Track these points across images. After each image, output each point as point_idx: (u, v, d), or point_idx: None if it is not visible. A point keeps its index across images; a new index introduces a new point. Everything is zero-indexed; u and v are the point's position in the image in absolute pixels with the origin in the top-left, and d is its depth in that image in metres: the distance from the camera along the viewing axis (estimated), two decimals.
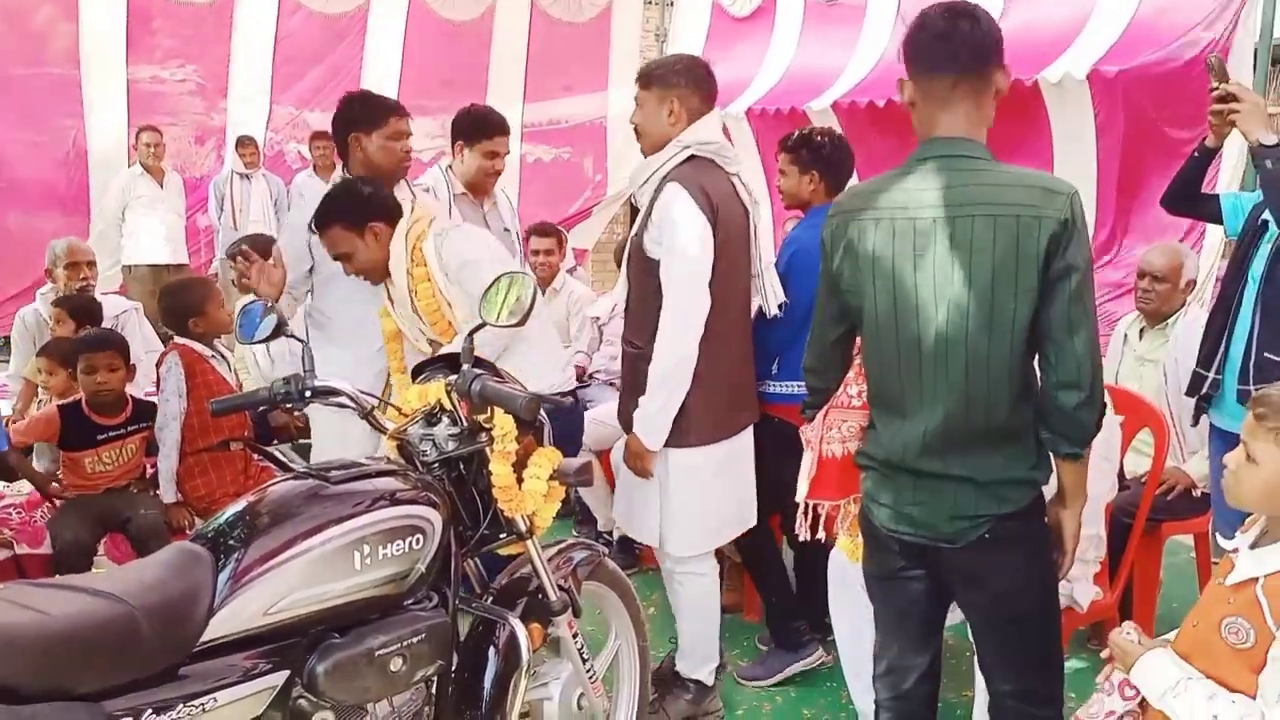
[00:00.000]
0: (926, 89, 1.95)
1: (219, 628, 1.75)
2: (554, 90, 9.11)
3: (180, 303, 3.62)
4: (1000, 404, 1.91)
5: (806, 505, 2.32)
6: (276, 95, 8.56)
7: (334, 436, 2.98)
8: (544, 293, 5.28)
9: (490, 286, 2.21)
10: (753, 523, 3.11)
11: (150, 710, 1.63)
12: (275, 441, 4.01)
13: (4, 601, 1.58)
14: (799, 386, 2.89)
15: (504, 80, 8.81)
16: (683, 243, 2.71)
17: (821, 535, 2.36)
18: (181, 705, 1.66)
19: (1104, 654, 1.94)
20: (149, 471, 3.63)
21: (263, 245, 3.34)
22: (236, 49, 8.25)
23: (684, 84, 2.83)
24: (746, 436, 3.03)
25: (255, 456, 3.60)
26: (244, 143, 7.97)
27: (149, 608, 1.67)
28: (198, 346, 3.56)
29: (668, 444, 2.84)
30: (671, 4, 9.21)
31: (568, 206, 8.97)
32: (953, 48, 1.91)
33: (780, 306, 3.08)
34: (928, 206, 1.90)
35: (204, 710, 1.69)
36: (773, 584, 3.38)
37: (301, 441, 3.84)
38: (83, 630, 1.59)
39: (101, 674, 1.60)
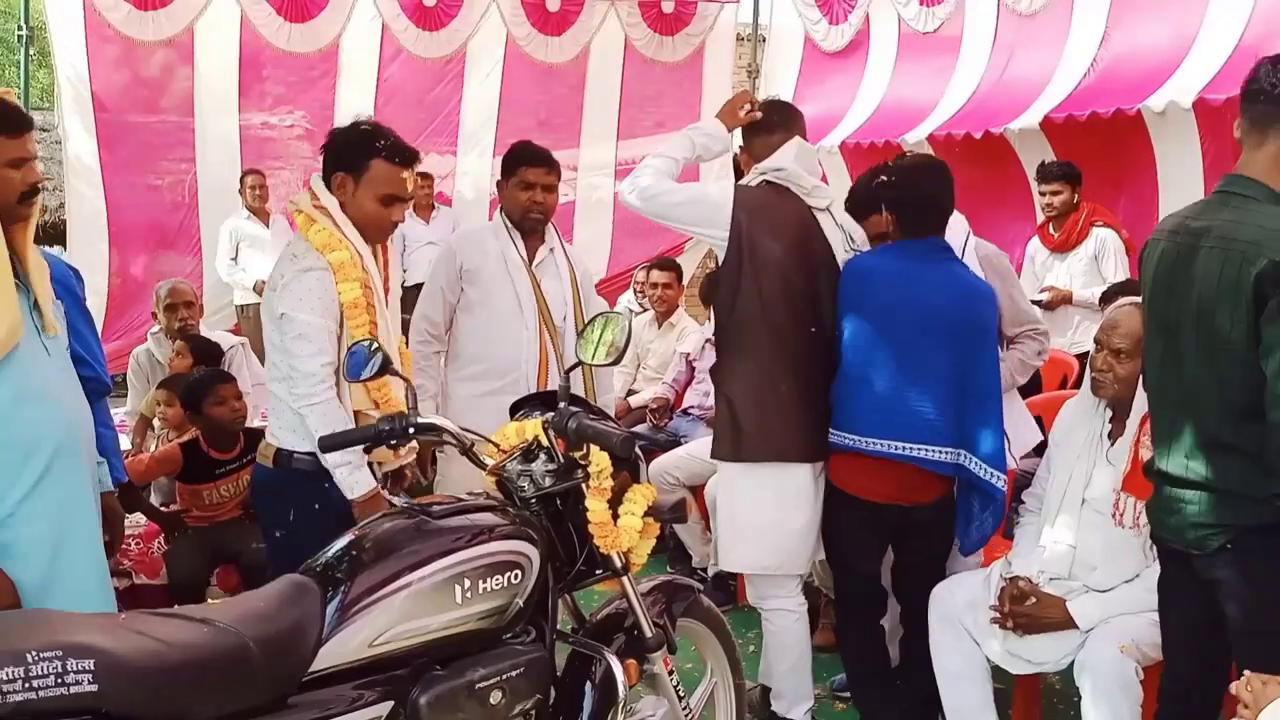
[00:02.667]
0: (1248, 128, 2.18)
1: (327, 658, 1.81)
2: (646, 127, 9.20)
3: None
4: (1225, 421, 2.10)
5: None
6: None
7: (466, 473, 3.01)
8: (660, 326, 5.35)
9: (587, 325, 2.26)
10: (804, 570, 3.10)
11: None
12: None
13: (126, 630, 1.66)
14: (831, 432, 2.93)
15: (598, 119, 8.95)
16: None
17: None
18: None
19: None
20: None
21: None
22: (341, 94, 8.53)
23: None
24: (802, 473, 2.98)
25: None
26: None
27: (261, 639, 1.73)
28: None
29: (721, 456, 2.98)
30: (765, 40, 9.25)
31: (661, 242, 9.03)
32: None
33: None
34: (1190, 234, 2.15)
35: None
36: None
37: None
38: (199, 660, 1.66)
39: (216, 702, 1.66)
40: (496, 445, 2.32)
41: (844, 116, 7.81)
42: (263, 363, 4.76)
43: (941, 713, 2.88)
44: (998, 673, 2.88)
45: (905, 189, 2.97)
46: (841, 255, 3.01)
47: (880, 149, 7.10)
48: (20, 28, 7.47)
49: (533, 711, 2.12)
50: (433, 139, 8.96)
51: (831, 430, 2.95)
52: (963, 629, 2.81)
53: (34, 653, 1.49)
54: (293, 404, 2.56)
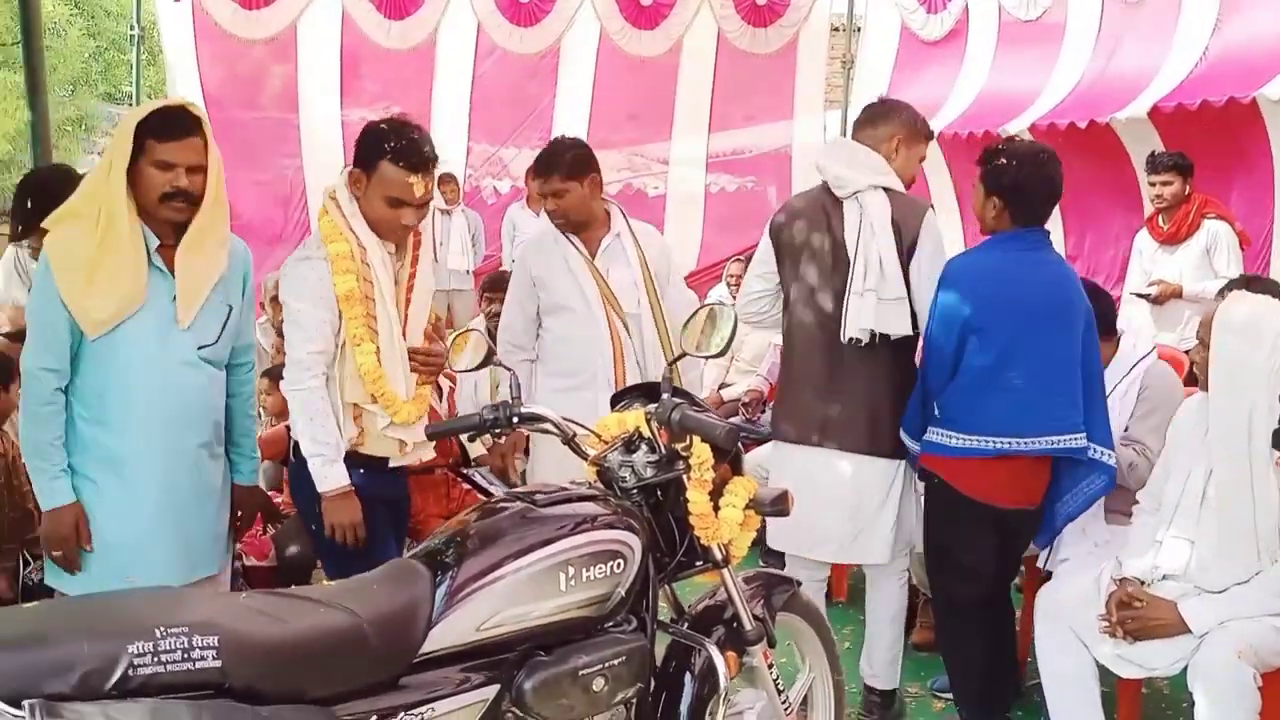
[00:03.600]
0: None
1: (436, 641, 1.85)
2: (738, 120, 9.17)
3: None
4: None
5: None
6: (474, 133, 8.96)
7: (553, 463, 3.05)
8: None
9: (691, 317, 2.26)
10: (846, 559, 3.20)
11: (375, 716, 1.73)
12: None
13: (248, 609, 1.72)
14: (950, 436, 2.86)
15: (690, 112, 8.94)
16: None
17: None
18: (404, 713, 1.76)
19: None
20: None
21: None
22: (438, 90, 8.68)
23: None
24: (826, 459, 3.08)
25: (459, 481, 3.77)
26: (445, 180, 8.36)
27: (375, 620, 1.78)
28: None
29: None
30: (859, 30, 9.13)
31: (752, 235, 8.97)
32: None
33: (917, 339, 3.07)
34: None
35: (423, 719, 1.78)
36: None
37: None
38: (317, 639, 1.71)
39: (332, 680, 1.71)
40: (598, 436, 2.34)
41: (942, 107, 7.67)
42: None
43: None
44: (1102, 674, 2.80)
45: (1025, 174, 2.85)
46: (850, 240, 3.00)
47: (980, 139, 6.95)
48: (132, 27, 7.77)
49: (633, 700, 2.13)
50: (525, 135, 9.07)
51: (953, 434, 2.86)
52: (1070, 631, 2.75)
53: (162, 628, 1.56)
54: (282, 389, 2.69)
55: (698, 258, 8.79)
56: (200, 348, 2.49)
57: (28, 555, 3.20)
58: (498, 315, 3.91)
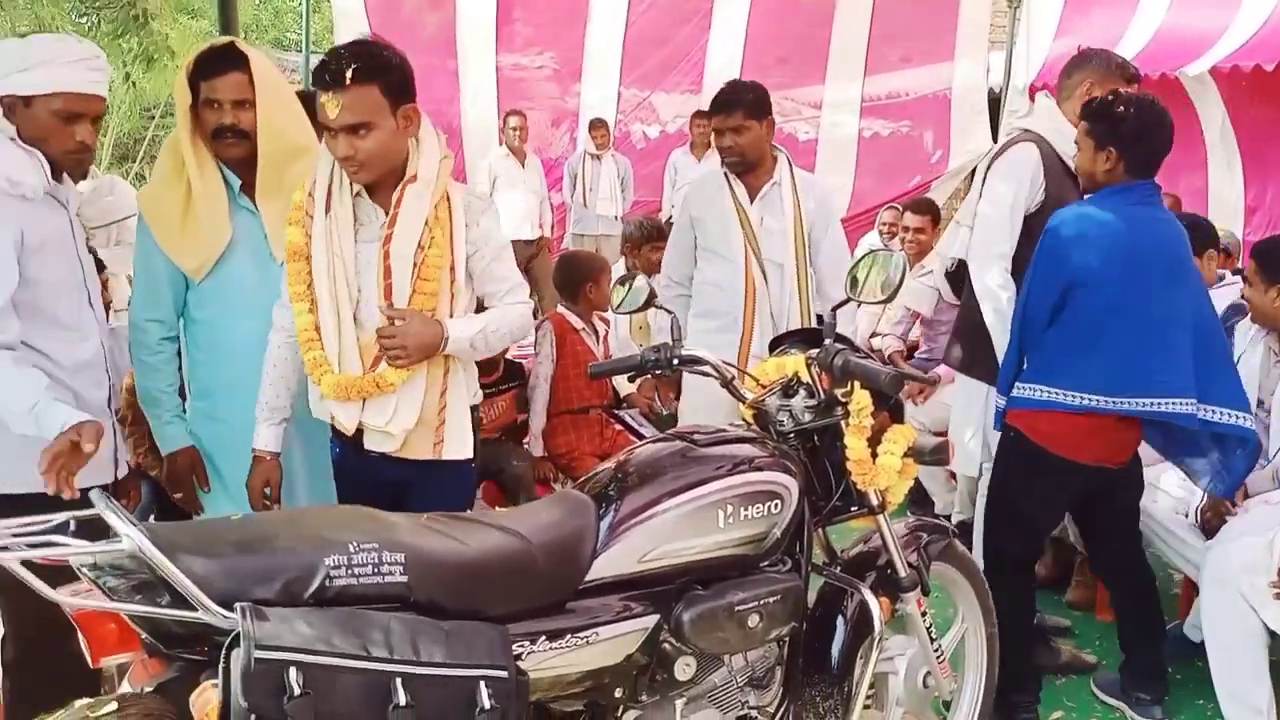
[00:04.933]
0: None
1: (600, 570, 1.93)
2: (893, 63, 8.91)
3: (579, 270, 3.96)
4: None
5: None
6: (625, 78, 8.99)
7: (704, 405, 3.11)
8: (910, 268, 5.26)
9: (857, 263, 2.26)
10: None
11: (544, 636, 1.82)
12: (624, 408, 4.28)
13: (429, 530, 1.82)
14: (1037, 390, 2.78)
15: (845, 55, 8.74)
16: None
17: None
18: (569, 635, 1.85)
19: None
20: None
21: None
22: (590, 34, 8.72)
23: None
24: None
25: (612, 421, 3.87)
26: (596, 125, 8.45)
27: (545, 545, 1.87)
28: (571, 317, 3.88)
29: None
30: None
31: (905, 181, 8.77)
32: None
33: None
34: None
35: (587, 643, 1.87)
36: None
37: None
38: (492, 560, 1.81)
39: (505, 600, 1.80)
40: (756, 380, 2.37)
41: (1114, 48, 7.28)
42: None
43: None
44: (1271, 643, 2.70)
45: (1143, 123, 2.75)
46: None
47: (1155, 83, 6.59)
48: None
49: (786, 638, 2.18)
50: (677, 80, 9.05)
51: (1041, 387, 2.76)
52: (1239, 595, 2.65)
53: (355, 543, 1.67)
54: None
55: (849, 203, 8.64)
56: None
57: None
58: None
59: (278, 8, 15.57)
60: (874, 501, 2.29)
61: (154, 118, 12.99)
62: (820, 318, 3.27)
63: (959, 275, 3.28)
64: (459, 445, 2.37)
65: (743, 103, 3.27)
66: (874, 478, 2.24)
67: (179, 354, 2.63)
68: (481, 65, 8.44)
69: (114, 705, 1.37)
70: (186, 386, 2.64)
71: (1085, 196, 2.90)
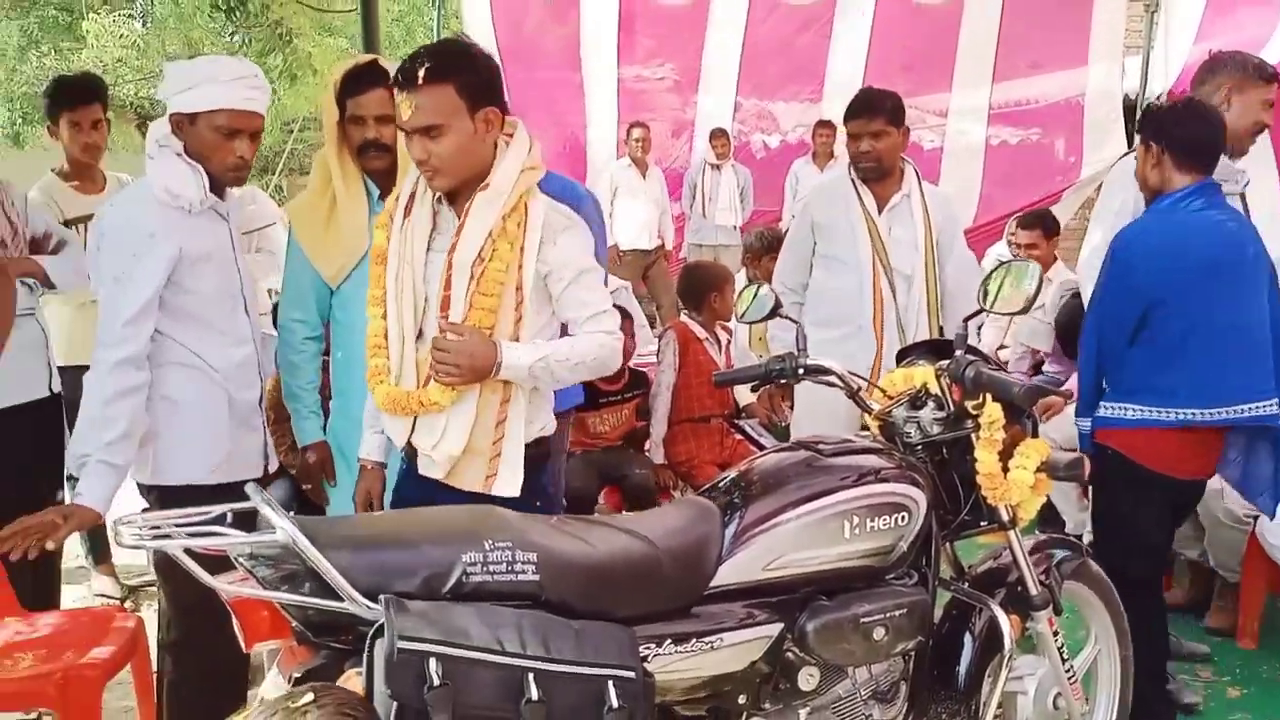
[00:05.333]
0: None
1: (725, 576, 1.94)
2: (1022, 69, 8.67)
3: (704, 280, 3.99)
4: None
5: None
6: (742, 88, 8.97)
7: (819, 417, 3.09)
8: None
9: (990, 274, 2.22)
10: None
11: (670, 640, 1.84)
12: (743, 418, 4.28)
13: (560, 531, 1.87)
14: (1127, 409, 2.70)
15: (972, 61, 8.55)
16: None
17: None
18: (695, 640, 1.87)
19: None
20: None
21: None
22: (709, 44, 8.74)
23: None
24: None
25: (731, 431, 3.88)
26: (716, 135, 8.46)
27: (671, 550, 1.89)
28: (695, 326, 3.91)
29: None
30: None
31: (1035, 191, 8.52)
32: None
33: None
34: None
35: (711, 648, 1.89)
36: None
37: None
38: (620, 563, 1.84)
39: (632, 603, 1.83)
40: (883, 391, 2.36)
41: (1261, 49, 6.96)
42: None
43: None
44: None
45: (1198, 126, 2.72)
46: None
47: None
48: None
49: (911, 653, 2.15)
50: (796, 89, 8.99)
51: (1131, 406, 2.71)
52: None
53: (490, 541, 1.72)
54: None
55: (975, 214, 8.44)
56: None
57: None
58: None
59: (410, 25, 16.06)
60: (1004, 517, 2.25)
61: (293, 131, 13.56)
62: (941, 329, 3.25)
63: (1071, 326, 3.16)
64: (510, 482, 2.15)
65: (884, 108, 3.24)
66: (1005, 492, 2.20)
67: (324, 354, 2.76)
68: (604, 77, 8.54)
69: (310, 696, 1.44)
70: (331, 385, 2.77)
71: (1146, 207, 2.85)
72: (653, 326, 6.37)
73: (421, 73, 2.02)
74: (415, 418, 2.16)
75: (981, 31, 8.47)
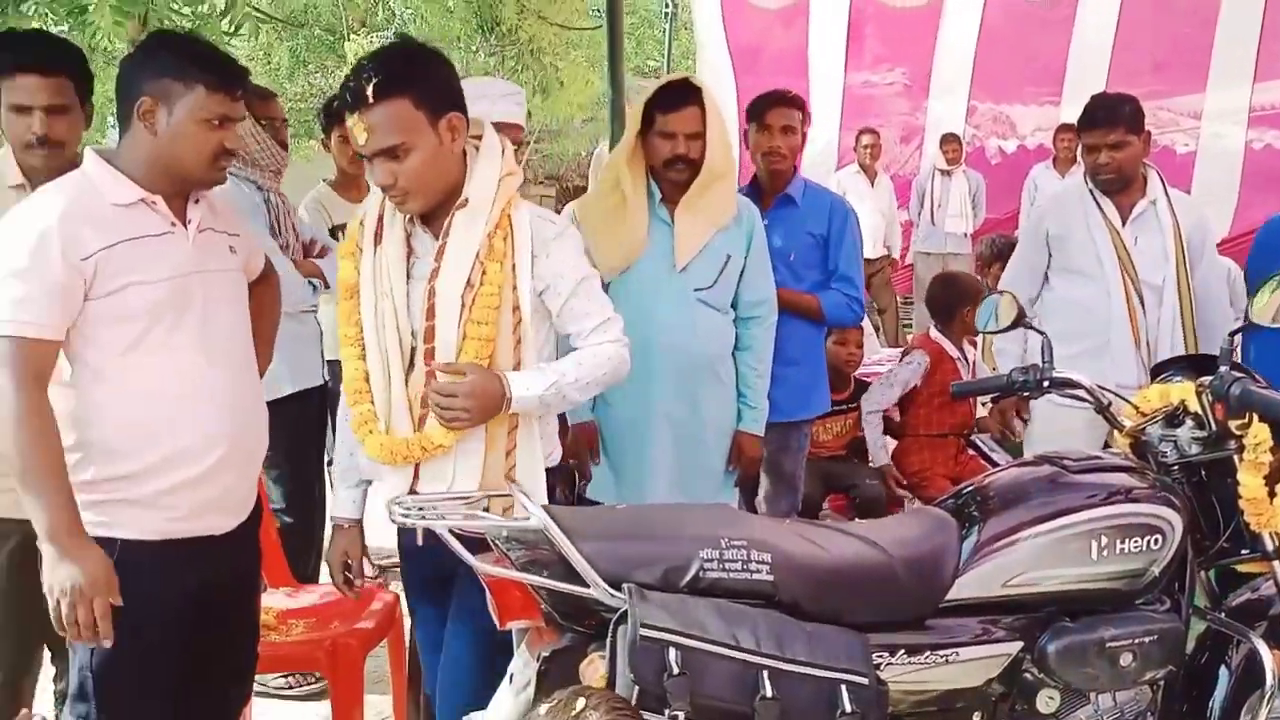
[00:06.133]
0: None
1: (962, 590, 1.91)
2: None
3: (954, 293, 3.92)
4: None
5: None
6: (976, 91, 8.69)
7: (1055, 434, 2.98)
8: None
9: (1263, 284, 2.09)
10: None
11: (903, 650, 1.84)
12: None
13: (792, 534, 1.89)
14: None
15: (1230, 57, 7.93)
16: None
17: None
18: (929, 652, 1.85)
19: None
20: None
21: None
22: (941, 46, 8.51)
23: None
24: None
25: (966, 447, 3.80)
26: (948, 140, 8.24)
27: (906, 560, 1.88)
28: (946, 344, 3.84)
29: None
30: None
31: None
32: None
33: None
34: None
35: (946, 662, 1.86)
36: None
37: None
38: (853, 569, 1.85)
39: (864, 610, 1.84)
40: (1135, 407, 2.25)
41: None
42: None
43: None
44: None
45: None
46: None
47: None
48: (666, 4, 8.51)
49: (1161, 683, 2.05)
50: (1034, 90, 8.62)
51: None
52: None
53: (726, 539, 1.77)
54: None
55: (1232, 223, 7.83)
56: (696, 290, 2.75)
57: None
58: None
59: (640, 36, 16.43)
60: (1269, 546, 2.11)
61: (527, 143, 14.18)
62: (1196, 343, 3.04)
63: None
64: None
65: (1123, 117, 3.08)
66: (1271, 519, 2.05)
67: None
68: (830, 83, 8.48)
69: (581, 702, 1.48)
70: None
71: None
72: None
73: (370, 89, 1.84)
74: (417, 464, 1.97)
75: (1242, 26, 7.85)
